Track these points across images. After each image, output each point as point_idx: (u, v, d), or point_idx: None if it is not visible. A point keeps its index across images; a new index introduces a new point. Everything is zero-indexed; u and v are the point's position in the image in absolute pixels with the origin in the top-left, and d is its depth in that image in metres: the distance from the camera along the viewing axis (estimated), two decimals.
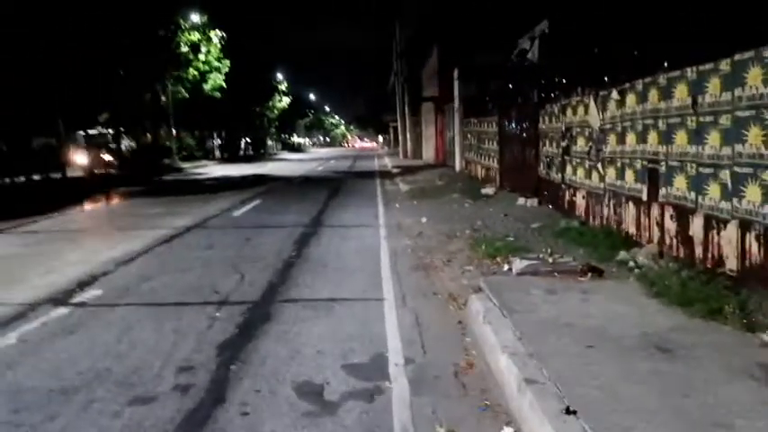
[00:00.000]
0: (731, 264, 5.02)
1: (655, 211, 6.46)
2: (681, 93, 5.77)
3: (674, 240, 6.03)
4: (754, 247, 4.78)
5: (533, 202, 11.71)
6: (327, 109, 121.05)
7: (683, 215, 5.84)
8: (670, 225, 6.12)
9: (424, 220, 10.96)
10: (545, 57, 9.90)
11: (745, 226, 4.88)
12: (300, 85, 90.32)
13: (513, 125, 13.63)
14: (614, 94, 7.37)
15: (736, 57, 4.88)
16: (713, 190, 5.27)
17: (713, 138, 5.22)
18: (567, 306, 4.87)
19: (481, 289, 5.76)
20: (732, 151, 4.95)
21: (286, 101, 61.82)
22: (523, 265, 6.33)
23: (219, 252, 8.73)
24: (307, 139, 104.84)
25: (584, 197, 8.78)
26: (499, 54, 15.59)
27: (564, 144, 9.68)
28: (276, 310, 5.75)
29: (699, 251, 5.57)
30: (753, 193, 4.76)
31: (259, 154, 59.33)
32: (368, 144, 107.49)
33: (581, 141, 8.83)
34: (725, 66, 5.00)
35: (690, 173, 5.66)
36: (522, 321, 4.50)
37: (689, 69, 5.60)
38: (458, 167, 22.08)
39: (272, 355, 4.57)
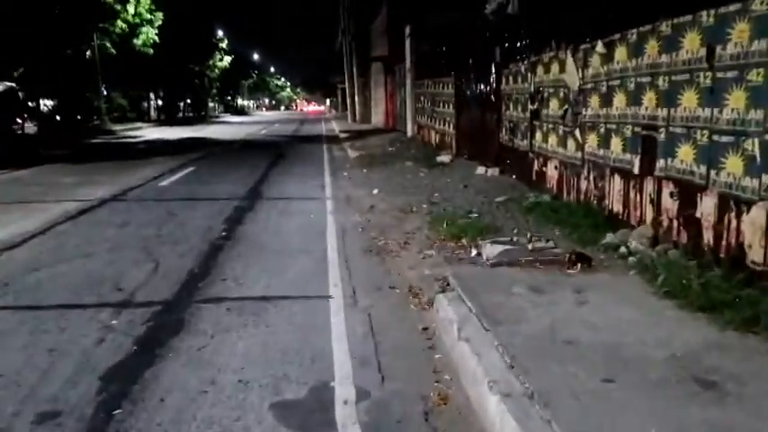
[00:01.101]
0: (755, 255, 4.10)
1: (649, 186, 5.50)
2: (691, 43, 4.75)
3: (675, 222, 5.10)
4: None
5: (494, 171, 10.71)
6: (273, 70, 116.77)
7: (687, 193, 4.89)
8: (669, 204, 5.17)
9: (375, 191, 9.80)
10: (526, 7, 8.72)
11: None
12: (243, 45, 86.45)
13: (472, 87, 12.50)
14: (599, 47, 6.31)
15: None
16: (733, 163, 4.31)
17: (736, 98, 4.23)
18: (561, 312, 3.84)
19: (449, 285, 4.68)
20: (765, 115, 3.96)
21: (228, 60, 58.67)
22: (497, 252, 5.29)
23: (134, 231, 7.33)
24: (251, 102, 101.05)
25: (556, 168, 7.80)
26: (457, 12, 14.33)
27: (533, 107, 8.64)
28: (192, 314, 4.51)
29: (708, 237, 4.64)
30: None
31: (200, 116, 56.31)
32: (316, 108, 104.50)
33: (554, 104, 7.79)
34: (760, 5, 3.97)
35: (700, 141, 4.69)
36: (509, 337, 3.44)
37: (704, 13, 4.56)
38: (410, 132, 20.92)
39: (176, 387, 3.37)
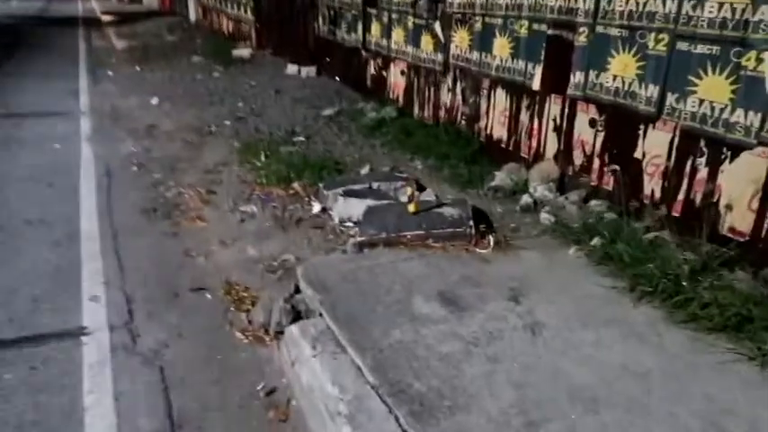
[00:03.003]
0: (738, 221, 2.86)
1: (554, 108, 4.02)
2: None
3: (595, 162, 3.72)
4: None
5: (310, 71, 8.59)
6: None
7: (622, 122, 3.50)
8: (587, 135, 3.76)
9: (154, 100, 7.14)
10: None
11: None
12: None
13: None
14: None
15: None
16: (712, 86, 2.93)
17: None
18: (516, 362, 2.21)
19: (299, 291, 2.80)
20: None
21: None
22: (353, 210, 3.54)
23: None
24: None
25: (403, 73, 6.01)
26: None
27: None
28: None
29: (652, 188, 3.34)
30: None
31: None
32: None
33: None
34: None
35: (653, 50, 3.23)
36: None
37: None
38: (193, 17, 17.28)
39: None
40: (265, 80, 8.36)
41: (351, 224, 3.72)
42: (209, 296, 3.08)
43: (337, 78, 7.85)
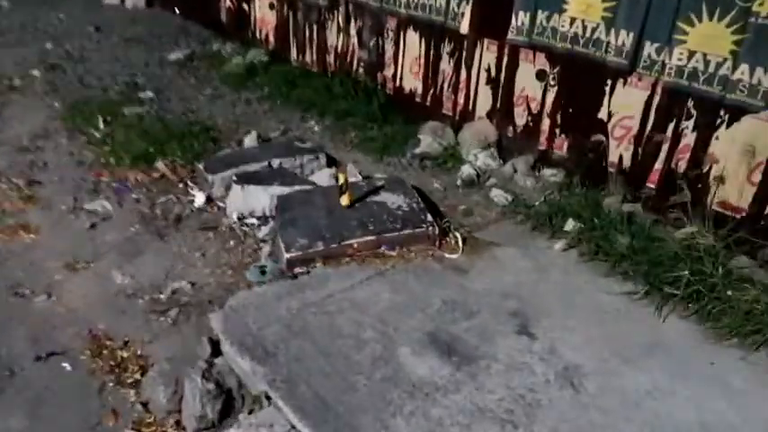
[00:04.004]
0: (732, 194, 2.47)
1: (487, 56, 3.32)
2: None
3: (544, 122, 3.14)
4: None
5: (138, 1, 6.95)
6: None
7: (580, 75, 2.92)
8: (533, 90, 3.14)
9: None
10: None
11: None
12: None
13: None
14: None
15: None
16: (704, 32, 2.42)
17: None
18: None
19: (217, 348, 1.89)
20: None
21: None
22: (257, 205, 2.64)
23: None
24: None
25: (273, 6, 4.88)
26: None
27: None
28: None
29: (620, 151, 2.84)
30: None
31: None
32: None
33: None
34: None
35: None
36: None
37: None
38: None
39: None
40: (78, 12, 6.59)
41: (254, 221, 2.78)
42: (67, 365, 2.03)
43: (177, 11, 6.39)
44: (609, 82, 2.82)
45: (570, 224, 2.64)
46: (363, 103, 3.96)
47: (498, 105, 3.34)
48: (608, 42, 2.76)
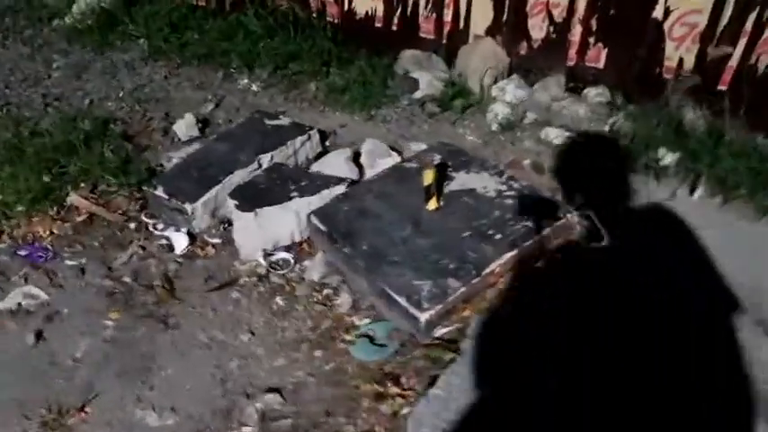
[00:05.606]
0: None
1: None
2: None
3: (579, 29, 2.55)
4: None
5: None
6: None
7: None
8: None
9: None
10: None
11: None
12: None
13: None
14: None
15: None
16: None
17: None
18: None
19: None
20: None
21: None
22: (282, 233, 1.94)
23: None
24: None
25: None
26: None
27: None
28: None
29: (680, 53, 2.39)
30: None
31: None
32: None
33: None
34: None
35: None
36: None
37: None
38: None
39: None
40: None
41: (287, 256, 1.93)
42: None
43: None
44: None
45: (668, 157, 2.19)
46: (303, 41, 3.00)
47: (506, 17, 2.65)
48: None
